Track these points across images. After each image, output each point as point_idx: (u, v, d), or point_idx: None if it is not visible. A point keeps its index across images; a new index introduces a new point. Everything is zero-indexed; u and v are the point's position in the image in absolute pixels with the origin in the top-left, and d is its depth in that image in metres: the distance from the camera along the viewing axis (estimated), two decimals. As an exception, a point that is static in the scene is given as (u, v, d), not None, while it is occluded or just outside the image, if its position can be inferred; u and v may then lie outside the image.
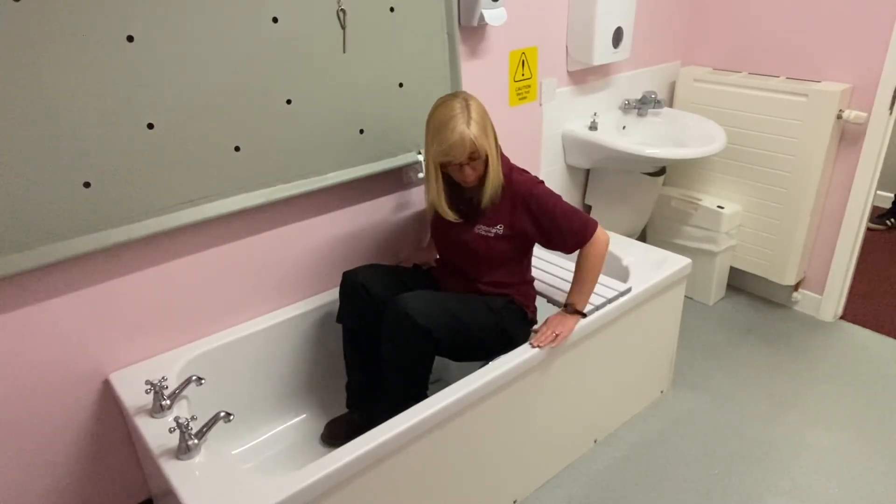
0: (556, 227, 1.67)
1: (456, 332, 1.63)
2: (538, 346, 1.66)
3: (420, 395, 1.65)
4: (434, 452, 1.53)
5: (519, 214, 1.68)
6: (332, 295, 1.95)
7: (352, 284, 1.74)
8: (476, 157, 1.58)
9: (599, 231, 1.68)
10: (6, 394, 1.47)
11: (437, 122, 1.57)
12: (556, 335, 1.69)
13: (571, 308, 1.74)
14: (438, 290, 1.84)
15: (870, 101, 2.29)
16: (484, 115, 1.58)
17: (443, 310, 1.61)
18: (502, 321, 1.72)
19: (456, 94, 1.60)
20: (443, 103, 1.59)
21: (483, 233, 1.71)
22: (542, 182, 1.71)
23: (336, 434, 1.84)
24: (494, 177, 1.63)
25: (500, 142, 1.68)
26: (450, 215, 1.70)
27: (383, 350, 1.64)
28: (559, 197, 1.69)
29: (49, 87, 1.30)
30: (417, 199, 2.10)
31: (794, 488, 1.87)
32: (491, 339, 1.71)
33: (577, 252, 1.71)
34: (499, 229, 1.70)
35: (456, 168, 1.61)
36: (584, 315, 1.76)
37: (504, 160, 1.71)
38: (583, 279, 1.70)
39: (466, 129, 1.53)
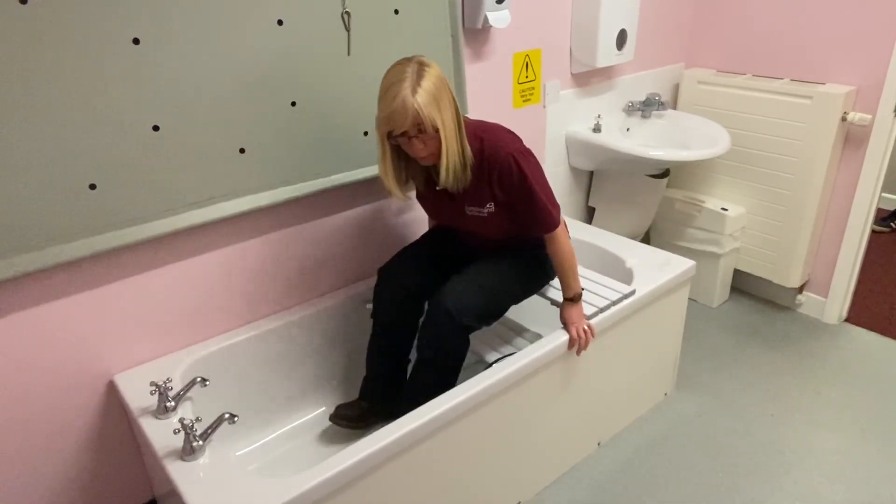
0: (523, 209, 1.61)
1: (491, 313, 1.70)
2: (582, 351, 1.74)
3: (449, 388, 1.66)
4: (437, 455, 1.53)
5: (501, 189, 1.58)
6: (337, 296, 1.96)
7: (387, 278, 1.77)
8: (423, 129, 1.41)
9: (560, 227, 1.65)
10: (12, 394, 1.47)
11: (384, 85, 1.42)
12: (585, 330, 1.72)
13: (570, 300, 1.74)
14: (468, 250, 1.84)
15: (874, 104, 2.28)
16: (439, 85, 1.41)
17: (481, 298, 1.65)
18: (533, 271, 1.78)
19: (411, 58, 1.43)
20: (394, 65, 1.43)
21: (476, 213, 1.65)
22: (522, 154, 1.56)
23: (345, 416, 1.84)
24: (451, 155, 1.47)
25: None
26: (398, 195, 1.59)
27: (421, 348, 1.66)
28: (537, 178, 1.57)
29: (55, 89, 1.30)
30: (421, 200, 2.10)
31: (799, 491, 1.86)
32: (526, 293, 1.80)
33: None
34: (490, 207, 1.62)
35: (405, 140, 1.45)
36: (583, 290, 1.79)
37: (474, 129, 1.57)
38: (565, 273, 1.70)
39: (411, 96, 1.37)
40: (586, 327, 1.73)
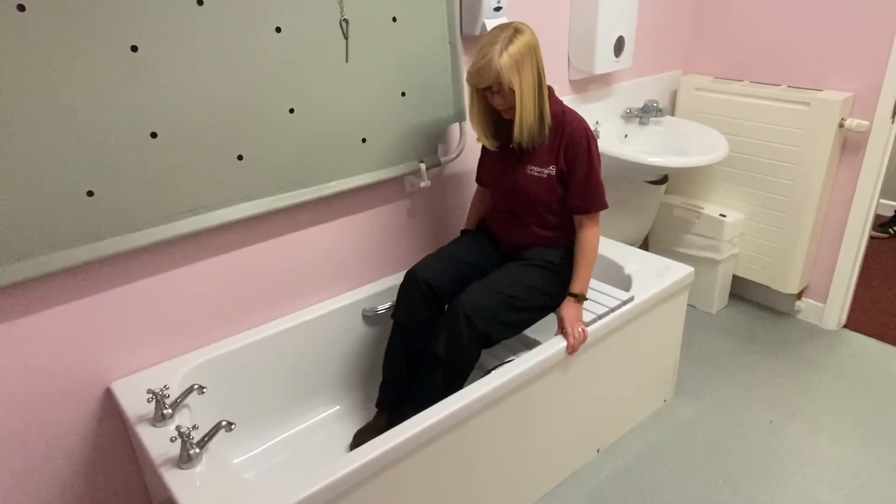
0: (577, 180, 1.71)
1: (510, 323, 1.71)
2: (574, 352, 1.72)
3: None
4: (435, 463, 1.53)
5: (566, 156, 1.72)
6: (336, 303, 1.96)
7: (414, 276, 1.78)
8: (500, 88, 1.59)
9: (598, 220, 1.77)
10: (8, 402, 1.47)
11: (480, 44, 1.60)
12: (580, 330, 1.72)
13: (577, 297, 1.76)
14: (496, 242, 1.90)
15: (872, 110, 2.29)
16: (525, 51, 1.57)
17: (500, 304, 1.67)
18: (559, 284, 1.78)
19: (510, 24, 1.60)
20: (494, 28, 1.62)
21: (536, 174, 1.74)
22: (593, 135, 1.74)
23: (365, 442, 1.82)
24: (525, 114, 1.63)
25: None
26: (487, 142, 1.77)
27: (437, 348, 1.67)
28: (598, 159, 1.73)
29: (53, 96, 1.31)
30: (421, 206, 2.10)
31: (798, 498, 1.86)
32: (546, 309, 1.81)
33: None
34: (551, 170, 1.73)
35: (489, 94, 1.64)
36: (587, 297, 1.81)
37: (560, 104, 1.74)
38: (584, 265, 1.76)
39: (497, 57, 1.55)
40: (581, 329, 1.73)
